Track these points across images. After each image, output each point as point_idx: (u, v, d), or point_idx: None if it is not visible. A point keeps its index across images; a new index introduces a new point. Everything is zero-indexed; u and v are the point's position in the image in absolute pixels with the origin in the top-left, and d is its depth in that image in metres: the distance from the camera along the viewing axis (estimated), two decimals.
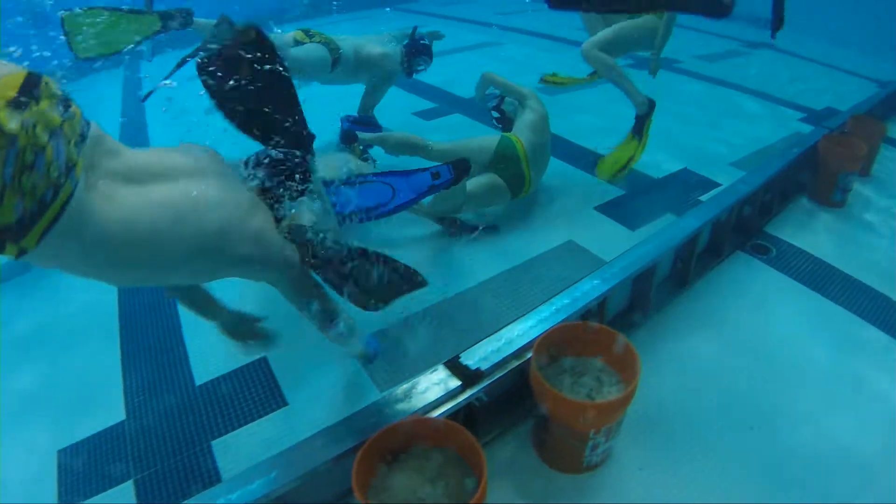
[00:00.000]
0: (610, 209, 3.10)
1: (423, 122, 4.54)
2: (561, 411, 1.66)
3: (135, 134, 4.98)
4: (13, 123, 0.92)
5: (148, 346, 2.41)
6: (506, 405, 1.89)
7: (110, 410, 2.09)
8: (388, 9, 9.51)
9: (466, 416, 1.77)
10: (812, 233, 3.10)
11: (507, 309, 2.42)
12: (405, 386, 1.71)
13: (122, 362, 2.31)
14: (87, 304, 2.65)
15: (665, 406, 2.01)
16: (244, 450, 1.91)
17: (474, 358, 1.78)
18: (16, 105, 0.93)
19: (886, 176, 3.75)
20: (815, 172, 3.38)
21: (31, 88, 1.00)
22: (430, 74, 5.43)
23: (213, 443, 1.95)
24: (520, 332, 1.86)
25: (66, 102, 1.06)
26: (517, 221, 3.08)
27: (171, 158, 1.36)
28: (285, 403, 2.09)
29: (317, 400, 2.08)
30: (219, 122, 1.52)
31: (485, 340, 1.85)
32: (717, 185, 3.33)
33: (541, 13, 8.95)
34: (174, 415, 2.07)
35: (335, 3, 9.20)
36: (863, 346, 2.32)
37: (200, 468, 1.86)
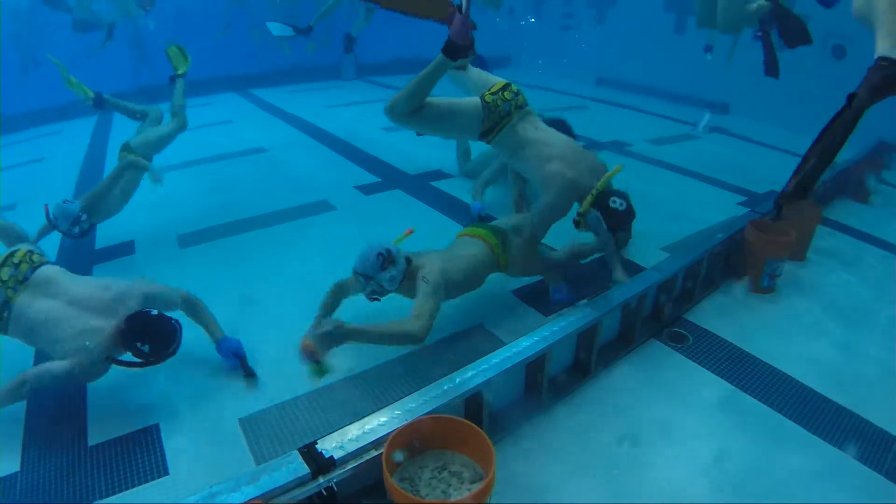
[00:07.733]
0: (526, 294, 3.12)
1: (362, 196, 4.71)
2: None
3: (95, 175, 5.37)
4: None
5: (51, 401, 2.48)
6: (378, 491, 1.85)
7: (9, 461, 2.16)
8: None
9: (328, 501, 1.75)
10: (734, 321, 3.08)
11: (407, 390, 2.38)
12: (256, 469, 1.70)
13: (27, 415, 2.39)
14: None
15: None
16: None
17: (332, 444, 1.77)
18: None
19: (820, 261, 3.77)
20: (742, 258, 3.43)
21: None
22: (382, 149, 5.72)
23: None
24: (382, 422, 1.84)
25: None
26: None
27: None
28: (166, 473, 2.11)
29: (195, 471, 2.09)
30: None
31: (347, 427, 1.83)
32: (642, 269, 3.37)
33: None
34: (64, 473, 2.11)
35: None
36: (776, 437, 2.29)
37: None
